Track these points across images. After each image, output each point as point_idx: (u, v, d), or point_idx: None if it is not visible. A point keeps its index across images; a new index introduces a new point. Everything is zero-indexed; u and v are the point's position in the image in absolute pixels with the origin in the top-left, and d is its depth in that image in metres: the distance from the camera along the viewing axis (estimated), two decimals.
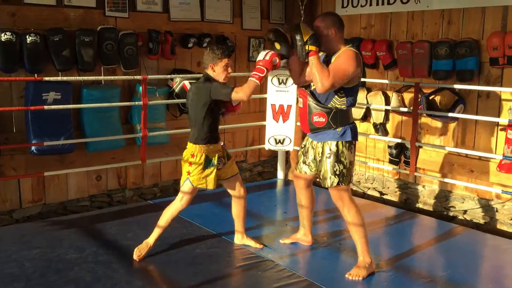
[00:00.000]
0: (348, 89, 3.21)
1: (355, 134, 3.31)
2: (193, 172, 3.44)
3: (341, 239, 3.97)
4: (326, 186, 3.33)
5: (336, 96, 3.21)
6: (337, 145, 3.25)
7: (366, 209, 4.79)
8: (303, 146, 3.55)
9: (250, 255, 3.61)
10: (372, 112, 5.28)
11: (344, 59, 3.10)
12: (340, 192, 3.31)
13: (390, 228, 4.37)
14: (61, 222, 4.21)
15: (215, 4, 5.29)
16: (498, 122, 4.41)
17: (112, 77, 4.56)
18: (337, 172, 3.25)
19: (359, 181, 5.66)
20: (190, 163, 3.44)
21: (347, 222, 3.37)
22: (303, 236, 3.81)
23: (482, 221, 4.66)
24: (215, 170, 3.46)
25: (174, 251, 3.68)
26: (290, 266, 3.43)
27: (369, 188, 5.55)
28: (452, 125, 4.77)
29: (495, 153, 4.42)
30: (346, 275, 3.27)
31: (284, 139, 5.21)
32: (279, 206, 5.02)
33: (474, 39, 4.41)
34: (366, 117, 5.39)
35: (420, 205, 5.10)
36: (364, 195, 5.53)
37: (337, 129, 3.24)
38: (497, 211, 4.57)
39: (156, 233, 3.58)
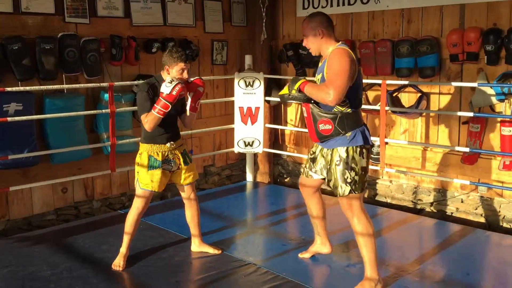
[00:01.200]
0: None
1: (366, 138, 3.07)
2: (141, 172, 3.42)
3: None
4: (338, 195, 3.09)
5: None
6: (347, 151, 3.02)
7: (334, 208, 4.86)
8: (312, 153, 3.33)
9: (231, 260, 3.58)
10: None
11: (335, 61, 2.91)
12: (350, 201, 3.06)
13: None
14: (28, 238, 4.03)
15: (177, 8, 5.23)
16: (460, 116, 4.58)
17: (76, 85, 4.41)
18: (348, 180, 3.02)
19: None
20: (138, 163, 3.43)
21: (356, 233, 3.09)
22: (321, 246, 3.57)
23: (448, 212, 4.83)
24: (160, 171, 3.39)
25: (153, 260, 3.60)
26: (273, 269, 3.42)
27: None
28: (416, 121, 4.92)
29: (458, 146, 4.60)
30: None
31: (253, 141, 5.22)
32: (251, 208, 5.03)
33: (434, 37, 4.57)
34: None
35: (388, 200, 5.23)
36: (333, 194, 5.59)
37: (346, 134, 3.02)
38: (462, 201, 4.75)
39: (125, 240, 3.52)
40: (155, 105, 3.21)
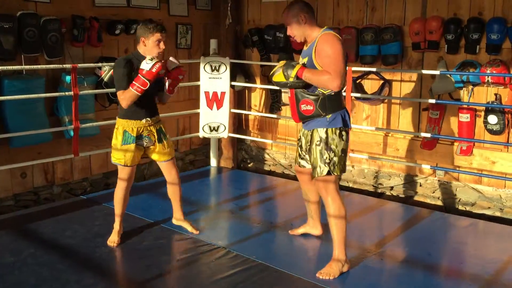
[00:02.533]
0: None
1: (346, 121, 3.13)
2: (114, 147, 3.45)
3: (291, 219, 4.07)
4: (315, 175, 3.14)
5: None
6: (326, 132, 3.08)
7: (298, 192, 4.92)
8: (299, 138, 3.38)
9: (200, 244, 3.58)
10: None
11: (328, 47, 2.96)
12: (327, 181, 3.12)
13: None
14: None
15: None
16: (420, 103, 4.74)
17: (36, 67, 4.25)
18: (327, 161, 3.07)
19: (291, 165, 5.80)
20: (114, 137, 3.45)
21: (328, 214, 3.15)
22: (313, 228, 3.68)
23: (408, 196, 5.00)
24: (134, 146, 3.40)
25: (121, 245, 3.55)
26: (243, 252, 3.44)
27: None
28: (378, 107, 5.05)
29: (418, 132, 4.75)
30: (317, 274, 3.10)
31: (218, 126, 5.20)
32: (216, 193, 5.03)
33: (398, 25, 4.68)
34: None
35: (350, 184, 5.36)
36: (296, 178, 5.68)
37: (327, 116, 3.07)
38: (420, 185, 4.93)
39: (117, 217, 3.62)
40: (133, 82, 3.20)
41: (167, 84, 3.45)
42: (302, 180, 3.55)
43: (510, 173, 4.33)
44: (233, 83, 5.45)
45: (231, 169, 5.90)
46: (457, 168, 4.60)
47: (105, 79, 4.73)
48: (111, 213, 4.11)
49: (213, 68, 5.05)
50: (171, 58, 3.47)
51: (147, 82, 3.17)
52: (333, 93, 3.07)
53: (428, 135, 4.45)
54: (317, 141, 3.11)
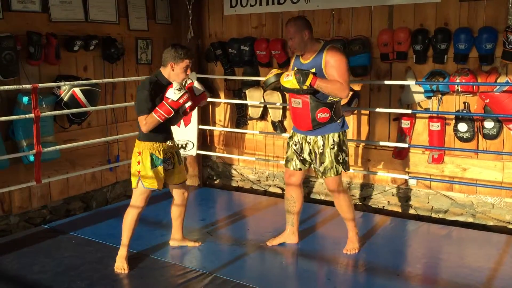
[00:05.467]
0: None
1: (347, 124, 3.61)
2: (143, 171, 3.35)
3: (272, 236, 3.93)
4: (330, 175, 3.50)
5: None
6: (339, 136, 3.49)
7: (269, 207, 4.86)
8: (295, 143, 3.64)
9: (184, 271, 3.39)
10: (270, 110, 5.34)
11: (338, 60, 3.36)
12: (338, 179, 3.54)
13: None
14: None
15: (99, 3, 4.85)
16: (389, 113, 4.76)
17: None
18: (341, 161, 3.50)
19: (259, 180, 5.69)
20: (138, 162, 3.35)
21: (340, 205, 3.62)
22: (291, 235, 3.83)
23: (380, 206, 5.01)
24: (162, 169, 3.39)
25: (97, 278, 3.29)
26: (231, 276, 3.28)
27: (270, 186, 5.61)
28: (348, 118, 5.02)
29: (389, 142, 4.78)
30: (344, 251, 3.62)
31: (186, 144, 5.02)
32: (189, 214, 4.82)
33: (366, 37, 4.70)
34: (263, 115, 5.43)
35: (322, 197, 5.31)
36: (266, 193, 5.58)
37: (338, 121, 3.48)
38: (393, 195, 4.95)
39: (124, 241, 3.47)
40: (157, 108, 3.19)
41: (185, 106, 3.37)
42: (293, 186, 3.71)
43: (481, 179, 4.42)
44: None
45: (197, 187, 5.71)
46: (429, 176, 4.66)
47: (65, 99, 4.44)
48: (81, 243, 3.88)
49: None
50: (196, 84, 3.53)
51: (172, 111, 3.20)
52: (339, 100, 3.48)
53: (400, 144, 4.47)
54: (331, 144, 3.46)
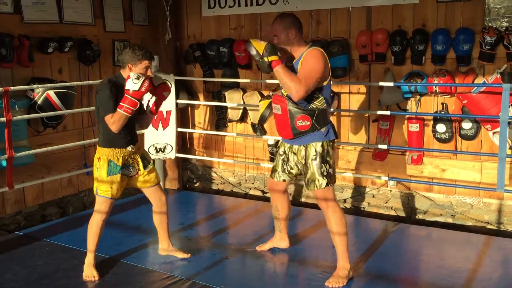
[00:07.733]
0: (322, 87, 3.15)
1: (335, 132, 3.26)
2: (99, 178, 3.23)
3: (253, 240, 3.89)
4: (313, 189, 3.19)
5: (314, 97, 3.13)
6: (322, 146, 3.16)
7: (250, 210, 4.81)
8: (281, 153, 3.40)
9: (163, 278, 3.31)
10: (249, 112, 5.29)
11: (312, 61, 3.04)
12: (326, 193, 3.19)
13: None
14: None
15: (74, 4, 4.75)
16: (369, 115, 4.76)
17: None
18: (325, 173, 3.15)
19: (240, 182, 5.64)
20: (97, 168, 3.24)
21: (330, 225, 3.22)
22: (280, 240, 3.70)
23: (361, 207, 5.00)
24: (119, 177, 3.23)
25: (72, 285, 3.20)
26: (209, 282, 3.22)
27: (250, 188, 5.57)
28: None
29: (369, 143, 4.77)
30: (326, 283, 3.14)
31: (165, 147, 4.94)
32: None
33: (345, 38, 4.69)
34: (243, 118, 5.38)
35: (303, 199, 5.28)
36: (246, 196, 5.53)
37: (321, 130, 3.16)
38: (373, 196, 4.95)
39: (90, 250, 3.34)
40: (121, 103, 3.01)
41: (150, 103, 3.24)
42: (276, 195, 3.54)
43: (460, 180, 4.44)
44: (178, 101, 5.21)
45: (177, 190, 5.64)
46: (409, 178, 4.66)
47: (39, 102, 4.34)
48: (56, 250, 3.78)
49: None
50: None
51: (137, 102, 3.01)
52: (324, 107, 3.16)
53: (380, 146, 4.47)
54: (313, 155, 3.16)
